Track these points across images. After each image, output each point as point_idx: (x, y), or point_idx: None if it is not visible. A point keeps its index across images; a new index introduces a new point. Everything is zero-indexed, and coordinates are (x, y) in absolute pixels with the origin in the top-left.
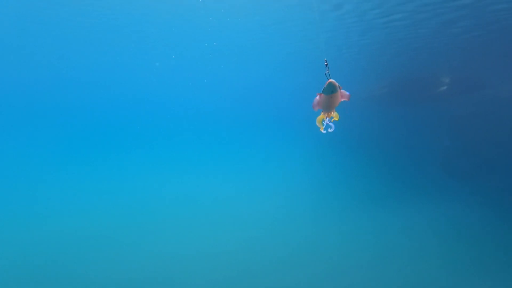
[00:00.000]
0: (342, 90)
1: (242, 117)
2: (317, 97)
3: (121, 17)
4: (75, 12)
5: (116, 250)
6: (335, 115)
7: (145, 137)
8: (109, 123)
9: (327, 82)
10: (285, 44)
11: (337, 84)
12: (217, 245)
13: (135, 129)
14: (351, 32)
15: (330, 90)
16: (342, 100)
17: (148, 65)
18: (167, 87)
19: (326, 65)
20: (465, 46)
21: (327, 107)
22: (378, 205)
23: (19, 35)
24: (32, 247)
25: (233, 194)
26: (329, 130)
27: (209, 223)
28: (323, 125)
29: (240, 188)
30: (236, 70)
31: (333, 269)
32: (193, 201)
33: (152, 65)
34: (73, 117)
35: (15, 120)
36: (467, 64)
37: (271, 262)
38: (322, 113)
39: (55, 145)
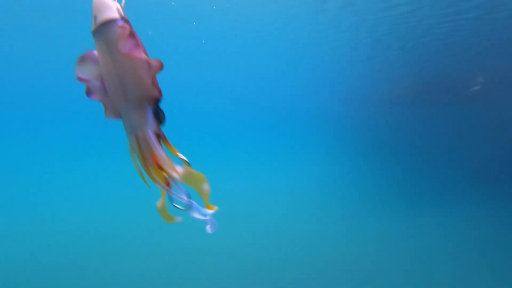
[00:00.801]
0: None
1: (250, 115)
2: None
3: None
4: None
5: (120, 246)
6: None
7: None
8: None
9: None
10: (292, 43)
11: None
12: (221, 242)
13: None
14: (379, 28)
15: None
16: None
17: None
18: (171, 84)
19: None
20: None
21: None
22: (390, 208)
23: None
24: (36, 244)
25: (239, 192)
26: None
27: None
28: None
29: (246, 186)
30: (241, 68)
31: (338, 270)
32: (199, 198)
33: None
34: (78, 113)
35: (17, 119)
36: (506, 65)
37: (275, 261)
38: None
39: (59, 143)
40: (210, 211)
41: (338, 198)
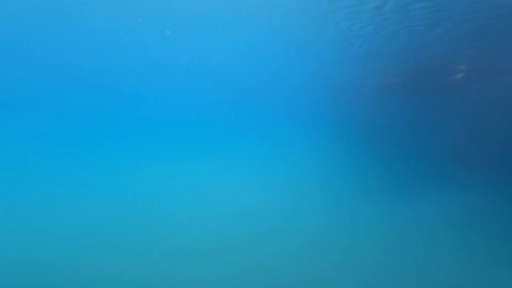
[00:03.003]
0: None
1: (245, 111)
2: None
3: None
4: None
5: (112, 247)
6: None
7: (143, 131)
8: (105, 116)
9: None
10: (285, 36)
11: None
12: (221, 240)
13: (132, 123)
14: (365, 20)
15: None
16: None
17: (148, 57)
18: (165, 80)
19: None
20: (482, 32)
21: None
22: (388, 196)
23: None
24: (25, 244)
25: (239, 189)
26: None
27: (212, 218)
28: None
29: (246, 182)
30: (235, 64)
31: (341, 261)
32: (195, 196)
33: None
34: (67, 110)
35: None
36: (484, 51)
37: (278, 256)
38: None
39: (50, 140)
40: None
41: (334, 189)
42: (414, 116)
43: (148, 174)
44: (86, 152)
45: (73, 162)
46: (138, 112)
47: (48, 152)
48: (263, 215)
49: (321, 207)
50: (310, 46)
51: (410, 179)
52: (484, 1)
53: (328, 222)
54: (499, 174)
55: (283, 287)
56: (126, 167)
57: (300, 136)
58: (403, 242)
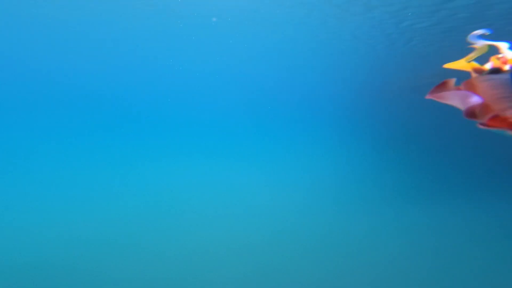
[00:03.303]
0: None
1: (267, 108)
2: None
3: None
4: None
5: (125, 251)
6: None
7: (160, 127)
8: (118, 116)
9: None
10: (312, 38)
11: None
12: (236, 240)
13: (147, 120)
14: (403, 19)
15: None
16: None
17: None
18: (184, 78)
19: None
20: None
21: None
22: (412, 202)
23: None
24: (30, 247)
25: (255, 187)
26: None
27: (227, 217)
28: None
29: (263, 180)
30: (264, 61)
31: (358, 266)
32: (209, 195)
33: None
34: (73, 107)
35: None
36: None
37: (293, 257)
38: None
39: (55, 139)
40: None
41: (357, 191)
42: (449, 119)
43: (160, 173)
44: (102, 152)
45: (88, 162)
46: (156, 111)
47: (60, 152)
48: (283, 216)
49: (343, 210)
50: (335, 42)
51: (440, 185)
52: None
53: (347, 226)
54: None
55: None
56: (140, 167)
57: (327, 137)
58: (425, 250)
